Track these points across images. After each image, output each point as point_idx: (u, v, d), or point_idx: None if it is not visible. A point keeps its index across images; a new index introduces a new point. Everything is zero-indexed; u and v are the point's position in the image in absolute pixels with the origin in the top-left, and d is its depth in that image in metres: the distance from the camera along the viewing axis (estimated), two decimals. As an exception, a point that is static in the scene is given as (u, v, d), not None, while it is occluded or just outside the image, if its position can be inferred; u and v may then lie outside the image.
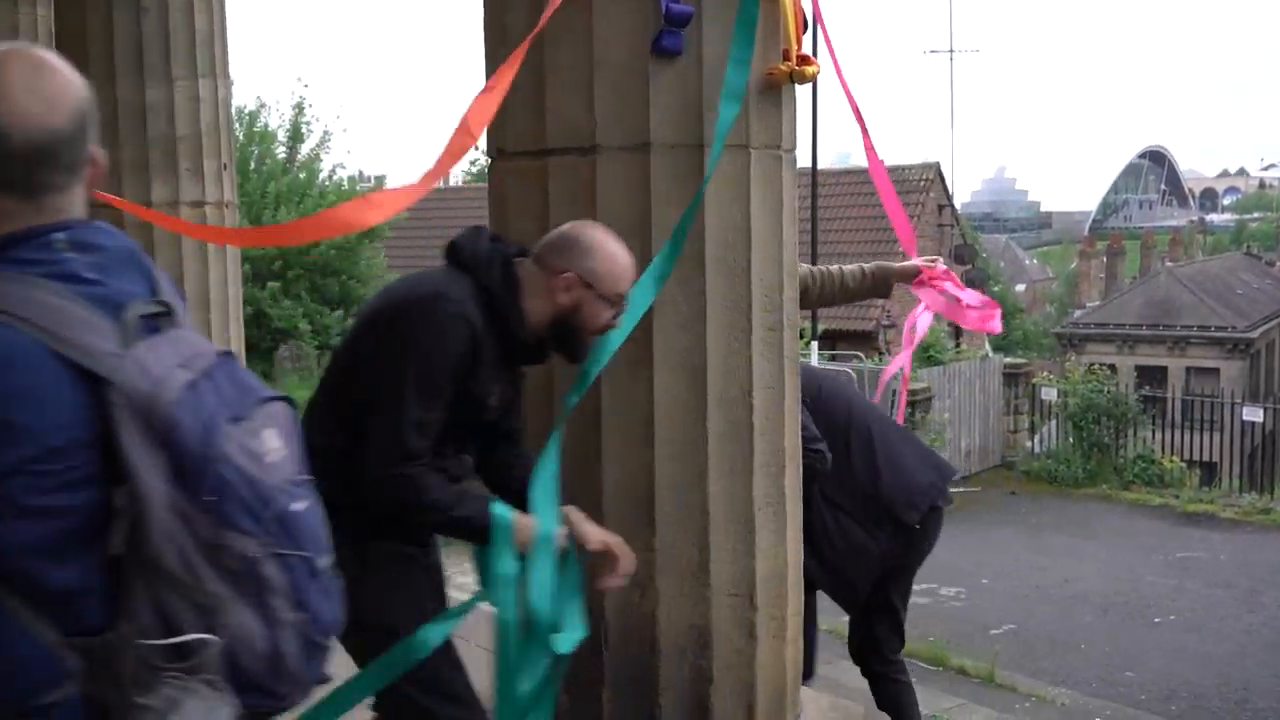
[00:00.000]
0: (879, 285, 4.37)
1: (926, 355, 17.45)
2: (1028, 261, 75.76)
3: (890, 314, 23.07)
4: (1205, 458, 19.00)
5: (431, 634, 2.48)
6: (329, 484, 2.54)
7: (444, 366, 2.52)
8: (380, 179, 33.38)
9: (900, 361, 3.98)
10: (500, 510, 2.56)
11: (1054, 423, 18.31)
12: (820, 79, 3.10)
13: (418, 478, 2.51)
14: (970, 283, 4.51)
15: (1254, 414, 19.03)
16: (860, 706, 3.56)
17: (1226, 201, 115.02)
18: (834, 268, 4.39)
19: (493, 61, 3.09)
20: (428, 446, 2.52)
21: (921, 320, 4.59)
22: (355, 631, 2.59)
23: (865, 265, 4.42)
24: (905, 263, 4.38)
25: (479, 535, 2.58)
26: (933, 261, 4.36)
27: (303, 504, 1.64)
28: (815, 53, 3.09)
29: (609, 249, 2.64)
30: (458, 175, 46.31)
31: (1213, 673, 9.04)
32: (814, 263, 5.69)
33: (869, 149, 3.53)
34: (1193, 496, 15.81)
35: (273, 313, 19.99)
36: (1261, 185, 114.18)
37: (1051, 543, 13.46)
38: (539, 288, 2.62)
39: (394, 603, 2.64)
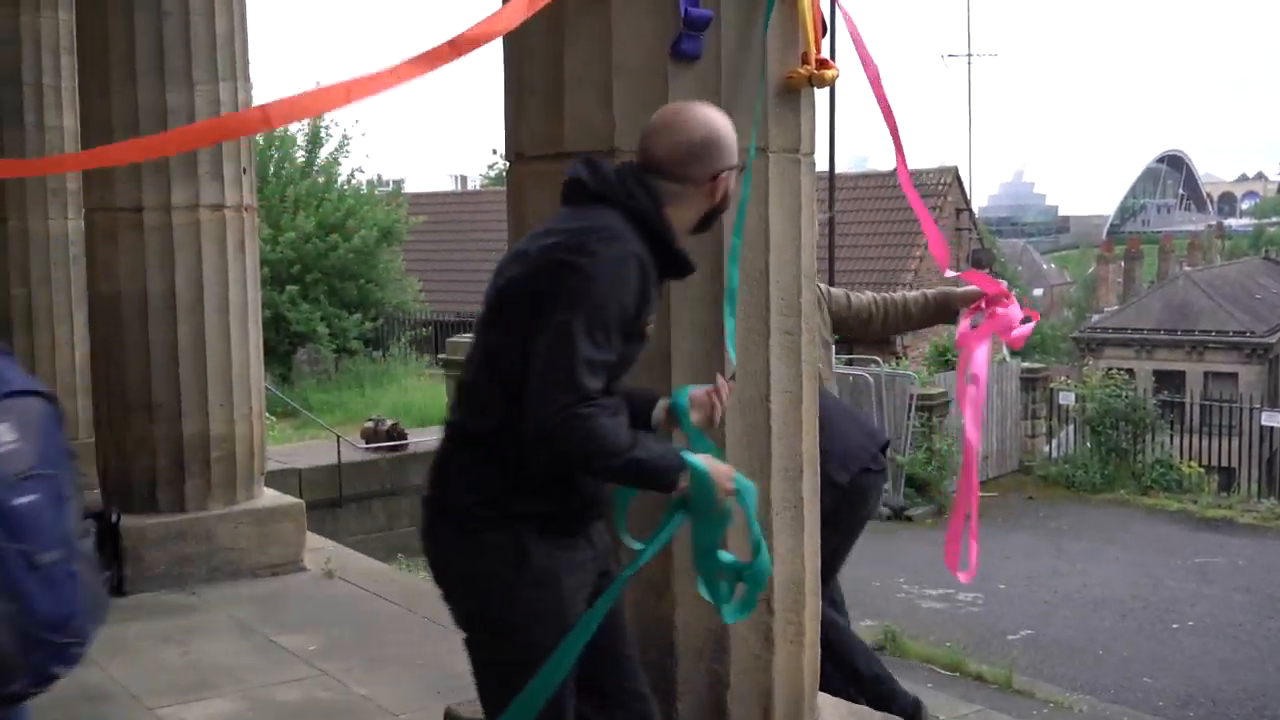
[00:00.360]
0: (942, 311, 4.30)
1: (944, 360, 17.41)
2: (1045, 266, 75.50)
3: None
4: (1223, 463, 18.89)
5: (578, 636, 2.38)
6: (482, 474, 2.42)
7: (617, 307, 2.32)
8: (399, 182, 33.51)
9: (970, 426, 3.55)
10: (689, 456, 2.41)
11: (1071, 427, 18.24)
12: (840, 83, 3.08)
13: (589, 417, 2.25)
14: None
15: (1272, 419, 18.91)
16: (881, 714, 3.54)
17: (1245, 206, 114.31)
18: (897, 295, 4.36)
19: (508, 61, 3.10)
20: (599, 389, 2.29)
21: (979, 359, 3.81)
22: (494, 630, 2.49)
23: (928, 291, 4.37)
24: (968, 288, 4.26)
25: (656, 481, 2.40)
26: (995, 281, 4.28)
27: (28, 497, 1.66)
28: (833, 56, 3.09)
29: (723, 127, 2.52)
30: (475, 179, 46.37)
31: (1231, 678, 9.01)
32: (831, 265, 5.66)
33: (901, 165, 3.48)
34: (1211, 502, 15.75)
35: (291, 316, 20.06)
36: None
37: (1069, 548, 13.42)
38: (684, 197, 2.49)
39: (539, 614, 2.44)
